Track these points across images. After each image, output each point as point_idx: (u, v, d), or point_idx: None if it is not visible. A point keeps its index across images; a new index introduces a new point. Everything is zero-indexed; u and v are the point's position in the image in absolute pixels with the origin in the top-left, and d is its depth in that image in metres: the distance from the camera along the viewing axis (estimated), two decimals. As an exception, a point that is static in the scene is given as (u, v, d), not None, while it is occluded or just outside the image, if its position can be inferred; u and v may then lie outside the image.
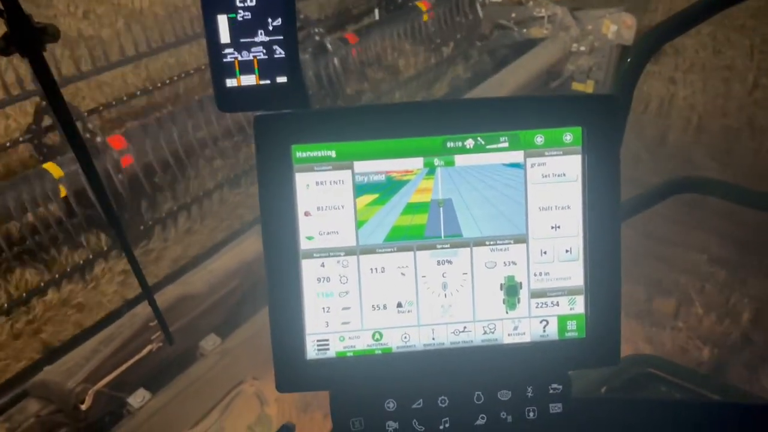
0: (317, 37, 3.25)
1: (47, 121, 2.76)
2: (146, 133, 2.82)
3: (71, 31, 3.07)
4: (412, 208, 0.55)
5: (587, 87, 3.99)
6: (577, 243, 0.56)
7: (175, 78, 3.10)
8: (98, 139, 2.67)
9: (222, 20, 0.57)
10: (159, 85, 3.08)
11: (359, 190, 0.55)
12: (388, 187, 0.55)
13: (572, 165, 0.55)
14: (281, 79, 0.58)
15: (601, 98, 0.55)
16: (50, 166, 2.50)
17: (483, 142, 0.55)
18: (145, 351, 2.26)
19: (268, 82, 0.58)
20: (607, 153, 0.55)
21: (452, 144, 0.55)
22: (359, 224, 0.55)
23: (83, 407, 2.08)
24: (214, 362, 2.25)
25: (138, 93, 3.04)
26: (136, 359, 2.22)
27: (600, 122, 0.55)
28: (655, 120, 3.58)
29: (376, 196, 0.55)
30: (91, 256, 2.59)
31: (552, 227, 0.56)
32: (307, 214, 0.54)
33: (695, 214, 2.62)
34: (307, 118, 0.54)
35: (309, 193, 0.54)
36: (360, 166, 0.54)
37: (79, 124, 2.63)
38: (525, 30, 3.94)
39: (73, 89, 2.97)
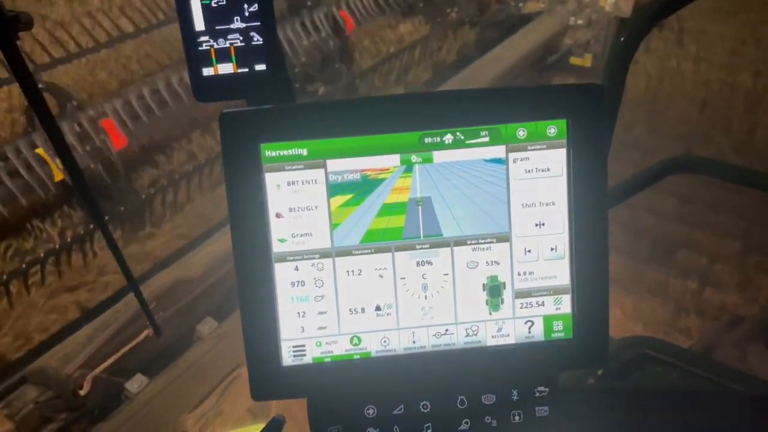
0: (311, 16, 3.20)
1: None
2: (138, 114, 2.79)
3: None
4: (389, 208, 0.53)
5: (585, 61, 3.95)
6: (562, 241, 0.54)
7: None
8: (89, 122, 2.63)
9: (195, 6, 0.55)
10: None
11: (333, 189, 0.52)
12: (364, 186, 0.52)
13: (557, 159, 0.53)
14: (260, 67, 0.56)
15: (587, 88, 0.52)
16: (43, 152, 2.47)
17: (462, 137, 0.52)
18: (142, 336, 2.26)
19: (247, 70, 0.56)
20: (593, 146, 0.52)
21: (430, 140, 0.52)
22: (334, 225, 0.52)
23: (82, 393, 2.09)
24: (211, 346, 2.24)
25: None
26: (133, 344, 2.21)
27: (586, 114, 0.52)
28: (742, 117, 3.36)
29: (350, 195, 0.52)
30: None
31: (536, 225, 0.53)
32: (278, 215, 0.52)
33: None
34: (276, 115, 0.52)
35: (280, 194, 0.52)
36: (333, 164, 0.52)
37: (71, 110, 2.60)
38: (522, 4, 3.88)
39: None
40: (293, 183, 0.52)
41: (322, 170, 0.52)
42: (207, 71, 0.56)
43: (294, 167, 0.52)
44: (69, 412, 2.09)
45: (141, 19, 3.07)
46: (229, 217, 0.51)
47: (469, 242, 0.53)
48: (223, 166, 0.51)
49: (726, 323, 2.10)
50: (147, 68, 3.07)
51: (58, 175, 2.46)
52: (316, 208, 0.52)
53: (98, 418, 2.08)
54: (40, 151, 2.48)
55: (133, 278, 1.00)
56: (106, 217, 2.57)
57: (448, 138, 0.52)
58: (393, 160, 0.52)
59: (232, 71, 0.56)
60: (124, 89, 3.01)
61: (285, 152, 0.51)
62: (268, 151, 0.51)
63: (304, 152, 0.51)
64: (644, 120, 3.24)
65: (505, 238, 0.53)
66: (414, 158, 0.52)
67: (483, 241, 0.53)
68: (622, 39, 0.98)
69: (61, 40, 2.82)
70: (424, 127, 0.52)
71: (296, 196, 0.52)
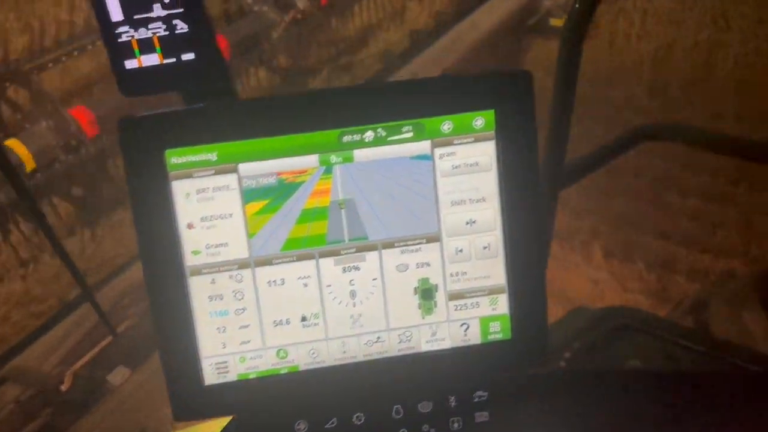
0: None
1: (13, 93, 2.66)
2: (111, 101, 2.73)
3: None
4: (309, 214, 0.49)
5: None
6: (495, 238, 0.50)
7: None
8: (58, 109, 2.57)
9: None
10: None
11: (247, 195, 0.48)
12: (281, 191, 0.49)
13: (485, 153, 0.49)
14: (188, 56, 0.51)
15: (514, 76, 0.48)
16: (13, 143, 2.42)
17: (384, 134, 0.48)
18: (122, 327, 2.24)
19: (174, 60, 0.51)
20: (523, 137, 0.49)
21: (349, 137, 0.48)
22: (251, 234, 0.49)
23: (63, 388, 2.07)
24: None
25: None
26: (111, 338, 2.19)
27: (514, 103, 0.48)
28: None
29: (267, 201, 0.49)
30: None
31: (467, 223, 0.50)
32: (190, 226, 0.48)
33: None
34: (180, 118, 0.48)
35: (189, 203, 0.48)
36: (246, 168, 0.48)
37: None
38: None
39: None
40: (203, 190, 0.48)
41: (235, 175, 0.48)
42: (130, 64, 0.51)
43: (203, 174, 0.48)
44: (51, 408, 2.07)
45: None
46: (135, 230, 0.48)
47: (397, 244, 0.50)
48: (125, 176, 0.47)
49: (717, 280, 2.05)
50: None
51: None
52: (230, 216, 0.48)
53: (82, 413, 2.06)
54: (11, 142, 2.43)
55: (84, 282, 0.96)
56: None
57: (369, 135, 0.48)
58: (311, 161, 0.48)
59: (159, 62, 0.51)
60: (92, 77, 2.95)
61: (193, 158, 0.48)
62: (174, 158, 0.47)
63: (214, 157, 0.48)
64: (731, 110, 3.07)
65: (435, 238, 0.50)
66: (333, 158, 0.48)
67: (412, 242, 0.50)
68: (577, 5, 0.93)
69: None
70: (343, 124, 0.48)
71: (208, 204, 0.48)
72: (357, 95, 0.49)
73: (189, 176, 0.48)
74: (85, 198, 2.61)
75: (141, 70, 0.51)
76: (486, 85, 0.48)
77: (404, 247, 0.50)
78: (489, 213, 0.50)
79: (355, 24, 3.44)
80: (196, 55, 0.51)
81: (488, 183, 0.49)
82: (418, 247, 0.50)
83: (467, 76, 0.49)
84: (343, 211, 0.49)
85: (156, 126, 0.47)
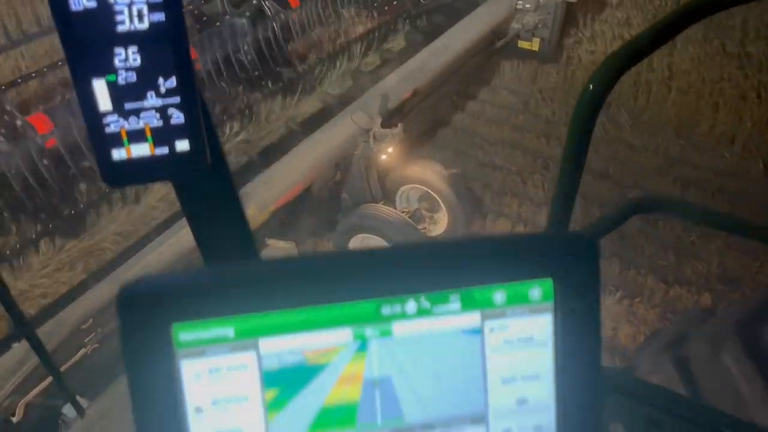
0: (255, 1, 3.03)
1: None
2: (71, 110, 2.60)
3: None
4: (338, 394, 0.43)
5: (533, 45, 3.88)
6: (548, 418, 0.44)
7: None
8: (18, 121, 2.45)
9: (99, 85, 0.44)
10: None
11: (268, 376, 0.42)
12: (307, 371, 0.42)
13: (541, 326, 0.43)
14: (182, 147, 0.46)
15: (575, 241, 0.43)
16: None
17: (428, 305, 0.42)
18: (78, 356, 2.14)
19: (167, 151, 0.46)
20: (585, 309, 0.43)
21: (389, 309, 0.42)
22: (270, 418, 0.42)
23: (14, 420, 1.97)
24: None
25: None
26: (69, 365, 2.09)
27: (574, 272, 0.43)
28: None
29: (289, 383, 0.42)
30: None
31: (517, 401, 0.44)
32: (198, 410, 0.41)
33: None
34: (191, 286, 0.40)
35: (200, 385, 0.41)
36: (267, 344, 0.41)
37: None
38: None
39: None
40: (217, 370, 0.41)
41: (254, 353, 0.41)
42: (118, 154, 0.46)
43: (218, 352, 0.41)
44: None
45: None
46: (133, 413, 0.40)
47: (438, 426, 0.44)
48: (122, 353, 0.40)
49: (694, 317, 1.98)
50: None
51: None
52: (246, 399, 0.42)
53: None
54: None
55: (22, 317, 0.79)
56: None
57: (411, 306, 0.42)
58: (343, 336, 0.42)
59: (149, 153, 0.46)
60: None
61: (205, 334, 0.40)
62: (183, 334, 0.40)
63: (231, 332, 0.41)
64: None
65: (480, 419, 0.44)
66: (369, 332, 0.42)
67: (455, 424, 0.44)
68: (590, 87, 0.88)
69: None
70: (382, 294, 0.42)
71: (221, 385, 0.41)
72: (398, 259, 0.42)
73: (200, 354, 0.40)
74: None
75: (129, 161, 0.46)
76: (544, 250, 0.43)
77: (446, 430, 0.44)
78: (543, 392, 0.44)
79: (324, 44, 3.37)
80: (191, 144, 0.46)
81: (543, 359, 0.43)
82: (461, 428, 0.44)
83: (523, 237, 0.43)
84: (377, 390, 0.43)
85: (161, 296, 0.40)
